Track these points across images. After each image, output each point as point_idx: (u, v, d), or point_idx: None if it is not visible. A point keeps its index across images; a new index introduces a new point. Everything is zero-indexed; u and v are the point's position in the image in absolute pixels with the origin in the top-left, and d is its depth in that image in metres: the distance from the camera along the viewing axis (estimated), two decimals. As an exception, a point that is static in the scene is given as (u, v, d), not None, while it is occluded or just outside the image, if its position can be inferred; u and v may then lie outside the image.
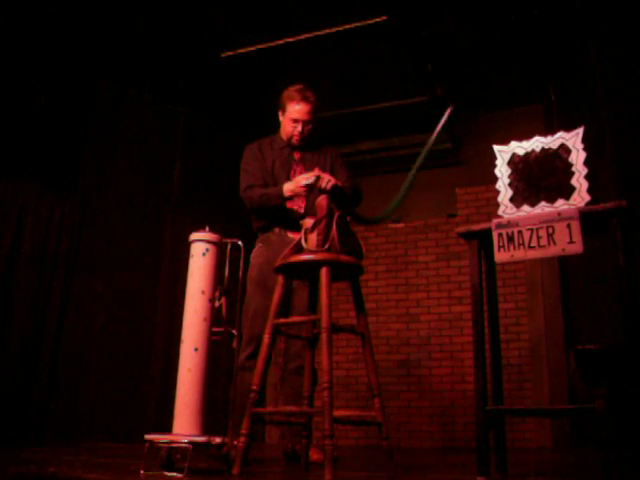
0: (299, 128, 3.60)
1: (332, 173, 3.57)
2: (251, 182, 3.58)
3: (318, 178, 3.16)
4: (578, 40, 4.93)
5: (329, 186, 3.13)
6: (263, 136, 3.81)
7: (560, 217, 2.30)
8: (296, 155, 3.68)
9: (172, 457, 2.67)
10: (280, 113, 3.70)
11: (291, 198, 3.42)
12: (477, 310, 2.49)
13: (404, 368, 6.32)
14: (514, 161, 2.51)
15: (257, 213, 3.61)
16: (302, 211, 3.49)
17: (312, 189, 3.25)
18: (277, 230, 3.57)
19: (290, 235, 3.47)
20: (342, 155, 3.88)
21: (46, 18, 4.96)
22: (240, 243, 3.05)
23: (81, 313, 5.24)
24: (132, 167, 5.84)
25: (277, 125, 3.78)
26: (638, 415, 2.11)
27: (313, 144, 3.74)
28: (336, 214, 2.67)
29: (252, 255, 3.58)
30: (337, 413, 2.45)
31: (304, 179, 3.25)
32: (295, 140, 3.64)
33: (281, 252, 3.36)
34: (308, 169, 3.48)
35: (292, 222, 3.42)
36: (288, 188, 3.38)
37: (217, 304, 2.90)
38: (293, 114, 3.60)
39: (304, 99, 3.59)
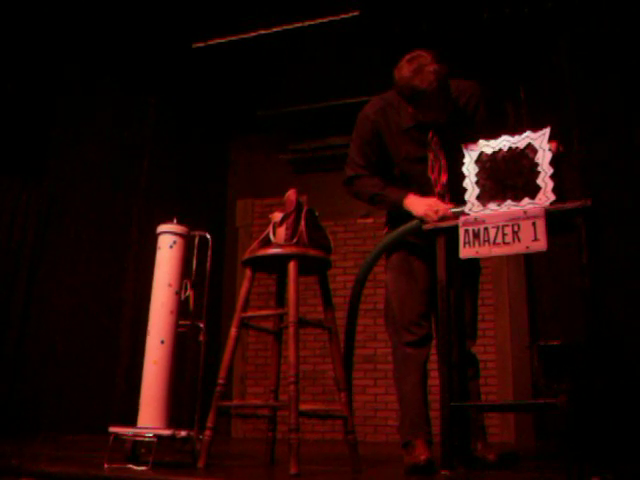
0: None
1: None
2: (360, 170, 2.94)
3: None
4: (549, 40, 4.99)
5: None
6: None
7: (526, 215, 2.33)
8: (429, 134, 2.86)
9: (137, 450, 2.65)
10: None
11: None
12: (444, 306, 2.52)
13: (371, 363, 6.34)
14: (482, 159, 2.53)
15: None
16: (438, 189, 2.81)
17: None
18: None
19: None
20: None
21: (14, 2, 4.88)
22: (208, 236, 3.04)
23: (46, 302, 5.18)
24: (100, 156, 5.78)
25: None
26: (599, 409, 2.15)
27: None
28: (305, 208, 2.68)
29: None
30: (303, 407, 2.46)
31: (433, 214, 2.68)
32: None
33: (420, 241, 2.89)
34: (447, 158, 2.81)
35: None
36: (411, 205, 2.79)
37: (183, 296, 2.89)
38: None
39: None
